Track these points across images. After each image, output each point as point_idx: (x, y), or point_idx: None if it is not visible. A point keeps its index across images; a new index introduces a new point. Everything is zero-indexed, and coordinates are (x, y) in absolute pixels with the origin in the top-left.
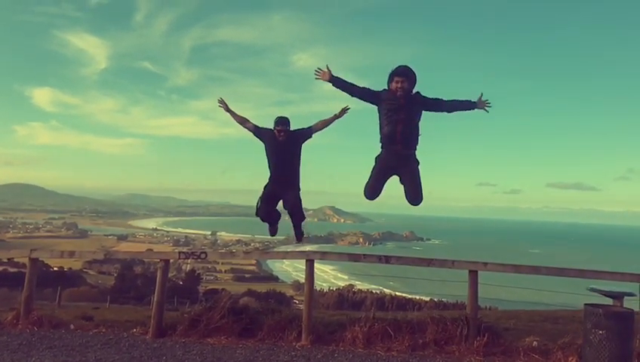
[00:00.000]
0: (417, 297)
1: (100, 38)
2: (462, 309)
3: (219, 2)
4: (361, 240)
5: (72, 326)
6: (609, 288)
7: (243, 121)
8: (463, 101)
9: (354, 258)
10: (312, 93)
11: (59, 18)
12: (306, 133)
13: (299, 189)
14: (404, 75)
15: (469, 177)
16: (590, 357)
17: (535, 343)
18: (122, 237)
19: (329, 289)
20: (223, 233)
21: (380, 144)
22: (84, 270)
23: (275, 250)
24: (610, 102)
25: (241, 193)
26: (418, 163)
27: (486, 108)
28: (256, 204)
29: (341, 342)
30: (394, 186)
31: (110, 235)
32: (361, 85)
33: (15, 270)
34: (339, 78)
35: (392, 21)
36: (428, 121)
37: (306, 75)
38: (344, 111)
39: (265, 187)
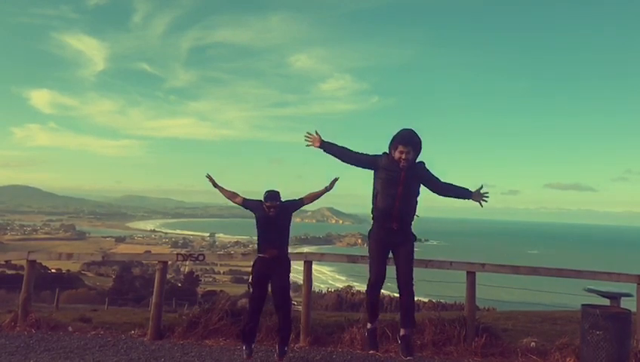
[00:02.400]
0: (415, 298)
1: (97, 39)
2: (460, 310)
3: (216, 4)
4: (359, 241)
5: (70, 329)
6: (606, 289)
7: (232, 196)
8: (459, 188)
9: (352, 259)
10: (311, 94)
11: (56, 20)
12: (297, 206)
13: (289, 271)
14: (410, 144)
15: (467, 178)
16: (588, 357)
17: (533, 344)
18: (120, 239)
19: (327, 290)
20: (222, 234)
21: (372, 216)
22: (83, 272)
23: None
24: (608, 103)
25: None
26: (415, 238)
27: (482, 201)
28: (247, 287)
29: (339, 343)
30: None
31: (108, 237)
32: (355, 150)
33: (13, 272)
34: (330, 143)
35: (391, 22)
36: (427, 122)
37: (304, 77)
38: (334, 182)
39: (254, 265)
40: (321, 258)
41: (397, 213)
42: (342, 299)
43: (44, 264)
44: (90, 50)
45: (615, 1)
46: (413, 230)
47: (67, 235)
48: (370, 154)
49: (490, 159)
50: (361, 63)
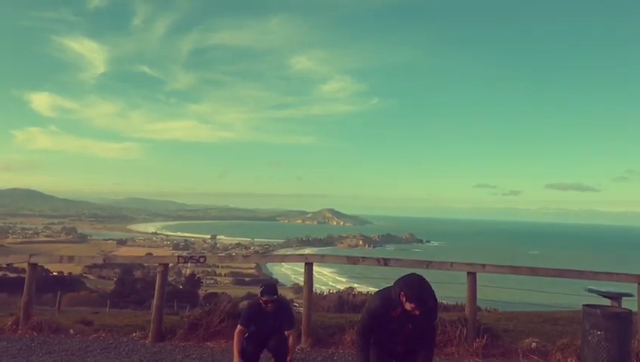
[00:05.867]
0: None
1: (98, 42)
2: (461, 311)
3: (216, 6)
4: (360, 242)
5: (71, 331)
6: (607, 289)
7: (240, 343)
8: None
9: (352, 261)
10: (311, 96)
11: (57, 23)
12: (286, 325)
13: (285, 340)
14: (426, 311)
15: (468, 179)
16: (589, 357)
17: (534, 344)
18: (122, 242)
19: (329, 291)
20: (223, 236)
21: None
22: (84, 274)
23: (275, 253)
24: (608, 103)
25: (241, 196)
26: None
27: None
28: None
29: (340, 344)
30: (392, 189)
31: (110, 240)
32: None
33: (15, 275)
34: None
35: (391, 23)
36: (427, 123)
37: (304, 78)
38: None
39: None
40: (322, 259)
41: (401, 355)
42: (343, 301)
43: (45, 267)
44: (91, 53)
45: (617, 3)
46: None
47: (68, 238)
48: (373, 316)
49: (491, 160)
50: (361, 65)
